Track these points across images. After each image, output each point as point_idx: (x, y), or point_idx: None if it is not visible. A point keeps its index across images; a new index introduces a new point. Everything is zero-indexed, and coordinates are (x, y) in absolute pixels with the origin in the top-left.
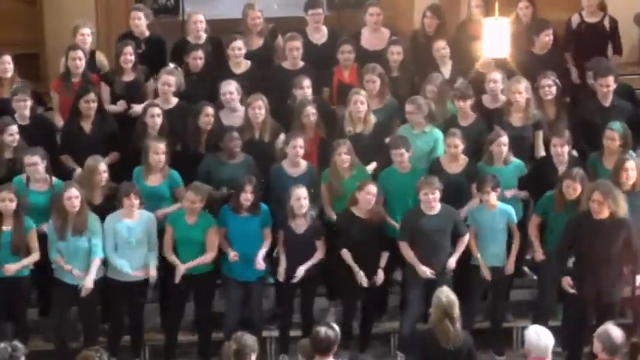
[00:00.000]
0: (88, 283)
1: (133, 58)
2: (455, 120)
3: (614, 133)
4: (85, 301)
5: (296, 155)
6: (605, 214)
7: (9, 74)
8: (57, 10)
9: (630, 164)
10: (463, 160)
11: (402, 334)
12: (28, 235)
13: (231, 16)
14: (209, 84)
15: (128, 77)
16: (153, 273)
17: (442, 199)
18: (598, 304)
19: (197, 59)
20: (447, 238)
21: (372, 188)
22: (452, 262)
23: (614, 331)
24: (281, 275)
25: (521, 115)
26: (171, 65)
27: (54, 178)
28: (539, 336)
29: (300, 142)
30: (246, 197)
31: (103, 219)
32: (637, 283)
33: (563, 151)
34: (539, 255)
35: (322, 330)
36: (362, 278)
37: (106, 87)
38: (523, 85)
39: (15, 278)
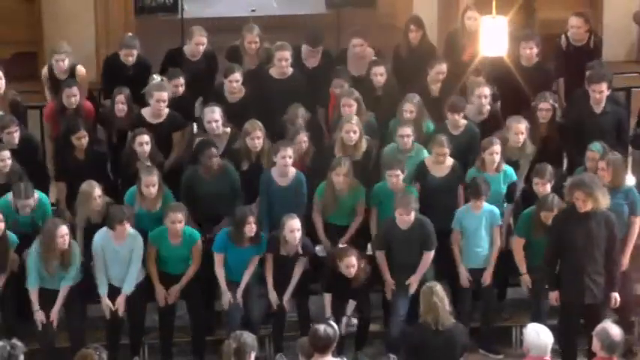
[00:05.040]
0: (54, 314)
1: (125, 107)
2: (442, 132)
3: (595, 153)
4: (69, 303)
5: (284, 165)
6: (588, 207)
7: (1, 90)
8: (55, 8)
9: (602, 164)
10: (449, 162)
11: (392, 335)
12: (10, 252)
13: (230, 14)
14: (192, 104)
15: (120, 123)
16: (121, 307)
17: (427, 202)
18: (581, 306)
19: (178, 86)
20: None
21: (352, 260)
22: (412, 280)
23: (612, 329)
24: (274, 304)
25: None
26: (157, 77)
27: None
28: (539, 334)
29: (289, 152)
30: (251, 229)
31: None
32: (611, 302)
33: (545, 189)
34: (525, 278)
35: (321, 328)
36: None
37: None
38: (524, 126)
39: None
